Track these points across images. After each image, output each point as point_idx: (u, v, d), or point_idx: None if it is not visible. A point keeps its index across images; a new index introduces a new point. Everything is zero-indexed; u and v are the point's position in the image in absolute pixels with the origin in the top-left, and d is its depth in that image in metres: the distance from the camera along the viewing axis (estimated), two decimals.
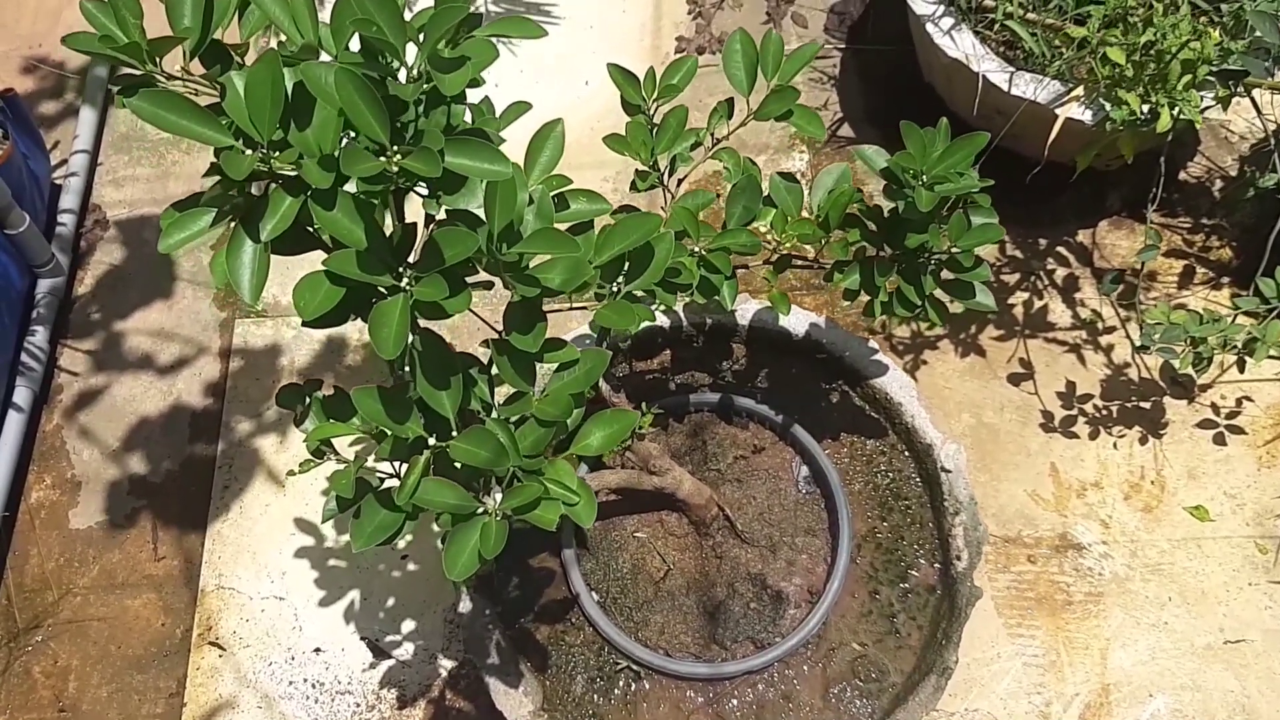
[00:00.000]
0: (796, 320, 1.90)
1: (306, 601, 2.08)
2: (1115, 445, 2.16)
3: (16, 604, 2.11)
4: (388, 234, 0.98)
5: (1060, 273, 2.36)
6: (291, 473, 1.35)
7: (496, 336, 1.10)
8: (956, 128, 1.42)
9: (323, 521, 1.19)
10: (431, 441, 1.05)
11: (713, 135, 1.53)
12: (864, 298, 1.50)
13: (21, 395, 2.21)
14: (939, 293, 1.49)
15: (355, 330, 2.31)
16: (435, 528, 1.14)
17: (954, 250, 1.44)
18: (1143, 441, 2.16)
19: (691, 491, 1.72)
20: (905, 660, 1.70)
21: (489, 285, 1.11)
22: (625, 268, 1.19)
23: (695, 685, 1.68)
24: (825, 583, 1.72)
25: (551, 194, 1.12)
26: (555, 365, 1.14)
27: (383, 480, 1.23)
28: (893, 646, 1.71)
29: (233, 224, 0.99)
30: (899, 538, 1.78)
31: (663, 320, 1.90)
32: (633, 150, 1.44)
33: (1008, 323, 2.31)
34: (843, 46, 2.64)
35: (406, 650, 2.03)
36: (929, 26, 2.19)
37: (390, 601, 2.07)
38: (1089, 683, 1.96)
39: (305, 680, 2.01)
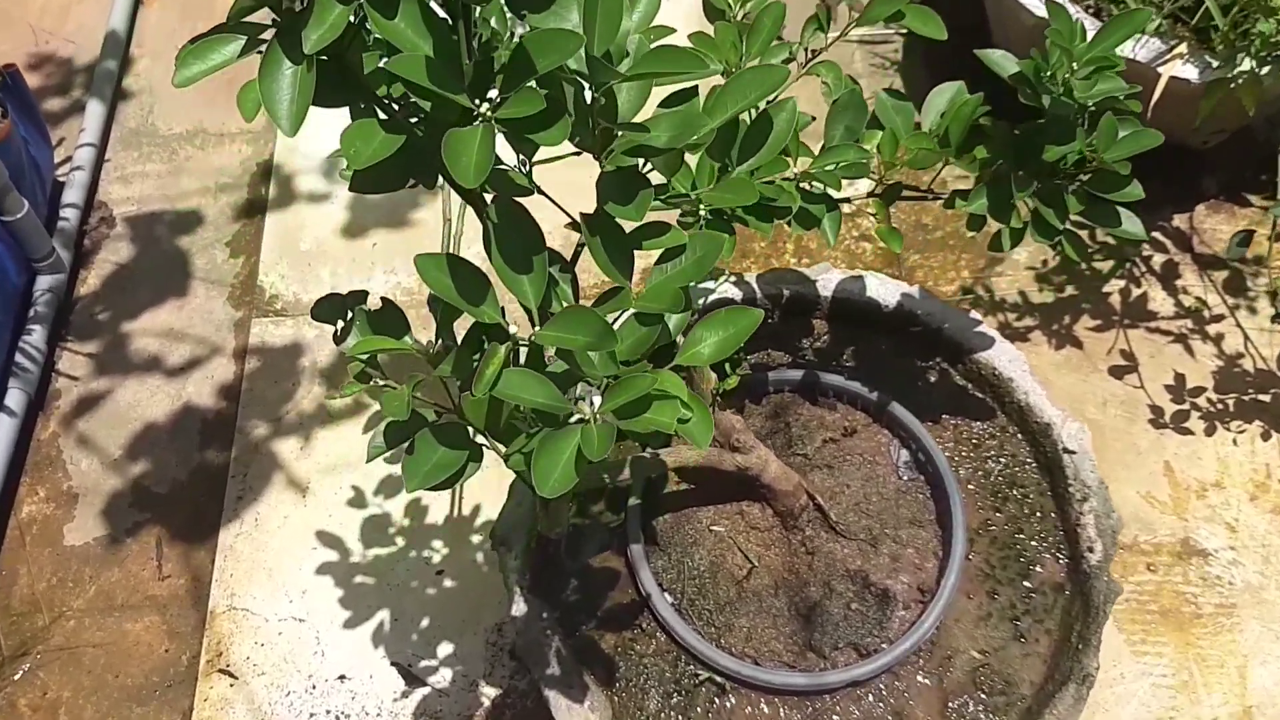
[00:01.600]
0: (886, 290, 1.68)
1: (330, 623, 1.84)
2: (1235, 441, 1.93)
3: (2, 629, 1.87)
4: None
5: (1158, 259, 2.14)
6: (331, 396, 1.12)
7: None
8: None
9: (368, 460, 0.96)
10: (514, 330, 0.83)
11: (807, 49, 1.34)
12: (983, 232, 1.29)
13: (14, 399, 2.00)
14: (1074, 221, 1.28)
15: None
16: (505, 463, 0.91)
17: (1099, 164, 1.23)
18: (1265, 437, 1.93)
19: (778, 475, 1.48)
20: (1034, 669, 1.45)
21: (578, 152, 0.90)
22: (738, 143, 0.97)
23: (790, 699, 1.43)
24: (938, 580, 1.48)
25: (652, 45, 0.91)
26: (655, 257, 0.92)
27: (440, 415, 1.00)
28: (1018, 654, 1.46)
29: (265, 47, 0.77)
30: (1017, 530, 1.54)
31: (733, 291, 1.68)
32: (721, 53, 1.24)
33: (1104, 312, 2.09)
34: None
35: (443, 677, 1.78)
36: None
37: (424, 623, 1.83)
38: (1228, 705, 1.70)
39: (328, 712, 1.76)
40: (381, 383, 0.98)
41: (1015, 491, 1.58)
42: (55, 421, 2.07)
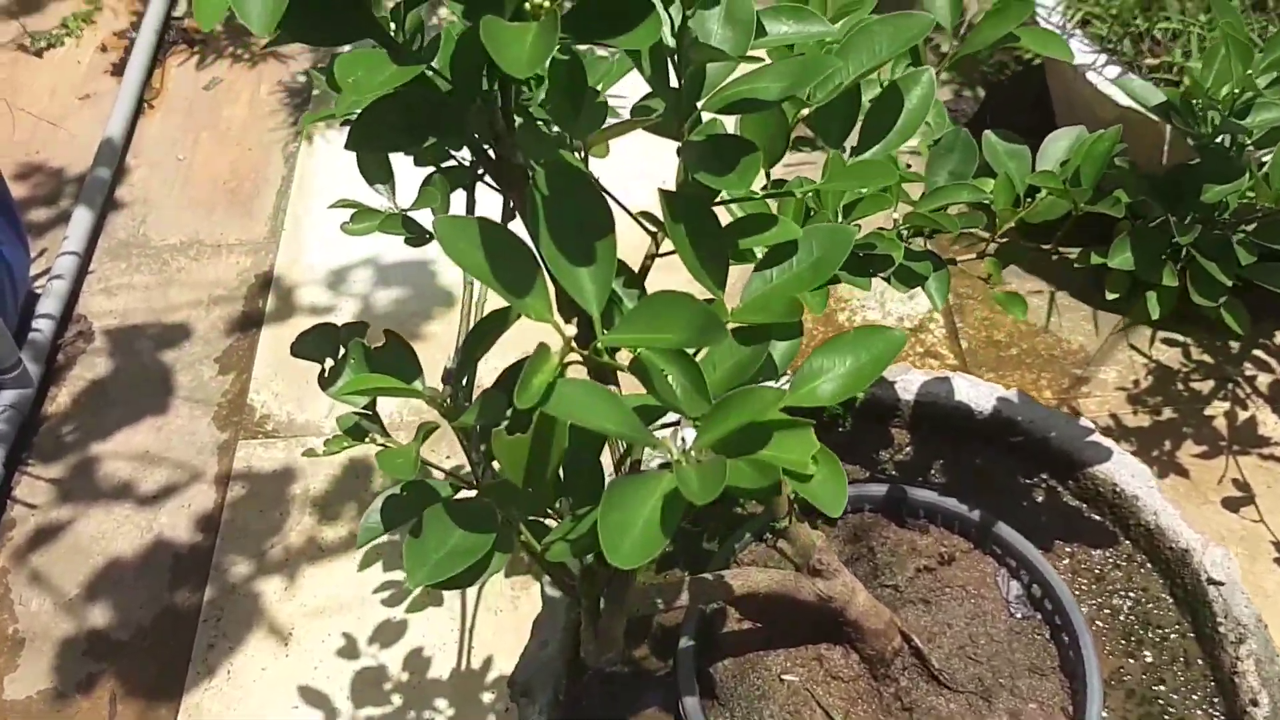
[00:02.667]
0: (978, 393, 1.43)
1: None
2: None
3: None
4: None
5: (1263, 379, 1.90)
6: (310, 453, 0.86)
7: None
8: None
9: (359, 546, 0.69)
10: (570, 332, 0.58)
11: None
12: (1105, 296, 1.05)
13: None
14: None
15: None
16: (538, 560, 0.65)
17: (1268, 210, 1.00)
18: None
19: (867, 609, 1.20)
20: None
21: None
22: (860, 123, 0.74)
23: None
24: None
25: None
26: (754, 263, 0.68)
27: (457, 489, 0.74)
28: None
29: None
30: (1157, 680, 1.25)
31: None
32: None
33: (1209, 437, 1.83)
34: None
35: None
36: (1090, 76, 1.82)
37: None
38: None
39: None
40: (380, 440, 0.73)
41: (1151, 633, 1.29)
42: (6, 555, 1.79)
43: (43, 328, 2.01)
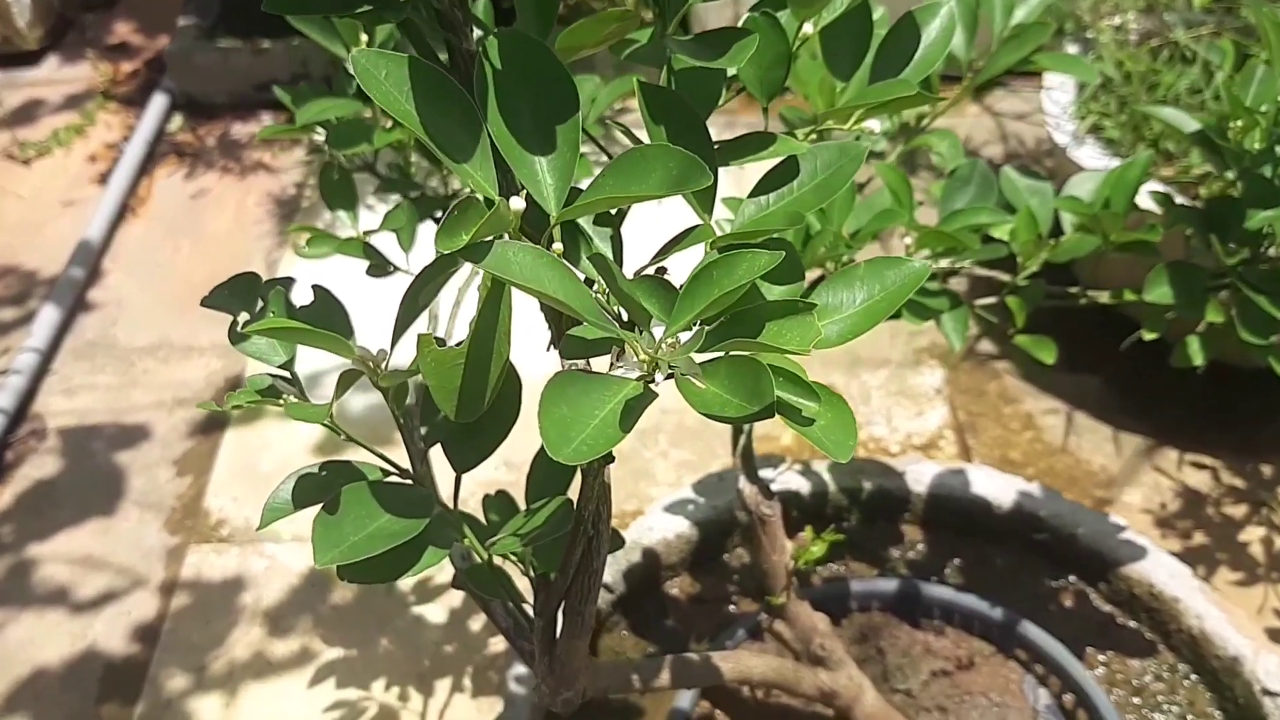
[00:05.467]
0: (996, 486, 1.30)
1: None
2: None
3: None
4: None
5: None
6: (205, 405, 0.72)
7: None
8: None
9: (260, 528, 0.56)
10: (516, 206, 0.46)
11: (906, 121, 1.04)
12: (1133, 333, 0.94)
13: None
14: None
15: None
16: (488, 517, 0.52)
17: None
18: None
19: (875, 712, 1.04)
20: None
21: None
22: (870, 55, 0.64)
23: None
24: None
25: None
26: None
27: (385, 475, 0.61)
28: None
29: None
30: None
31: (798, 482, 1.30)
32: (812, 90, 0.93)
33: (1245, 563, 1.68)
34: None
35: None
36: None
37: None
38: None
39: None
40: (293, 399, 0.60)
41: None
42: None
43: None
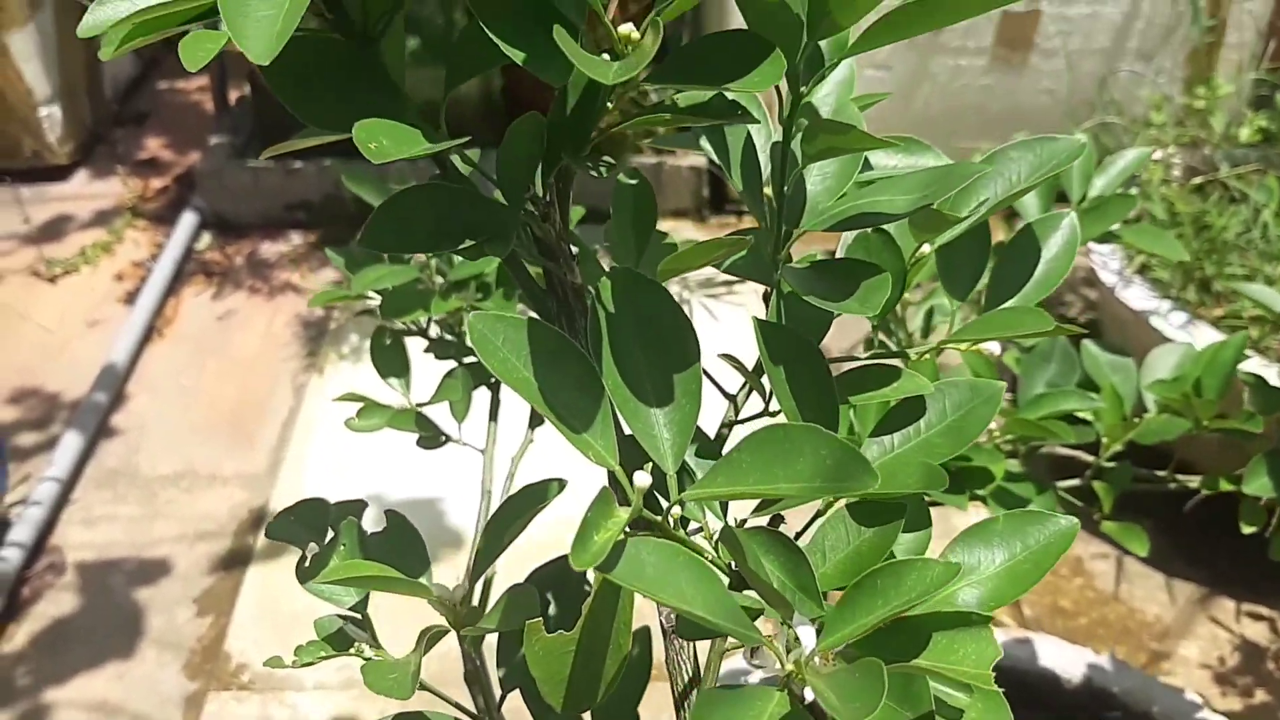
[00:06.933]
0: (1065, 658, 1.24)
1: None
2: None
3: None
4: None
5: None
6: (275, 662, 0.66)
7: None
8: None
9: None
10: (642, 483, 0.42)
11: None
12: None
13: None
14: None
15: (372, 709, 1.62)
16: None
17: None
18: None
19: None
20: None
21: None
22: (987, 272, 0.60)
23: None
24: None
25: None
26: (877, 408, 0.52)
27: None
28: None
29: None
30: None
31: None
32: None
33: None
34: None
35: None
36: (1155, 323, 1.71)
37: None
38: None
39: None
40: (370, 652, 0.55)
41: None
42: None
43: (10, 557, 1.83)
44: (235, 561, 1.90)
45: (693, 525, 0.50)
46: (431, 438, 1.00)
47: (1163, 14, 2.32)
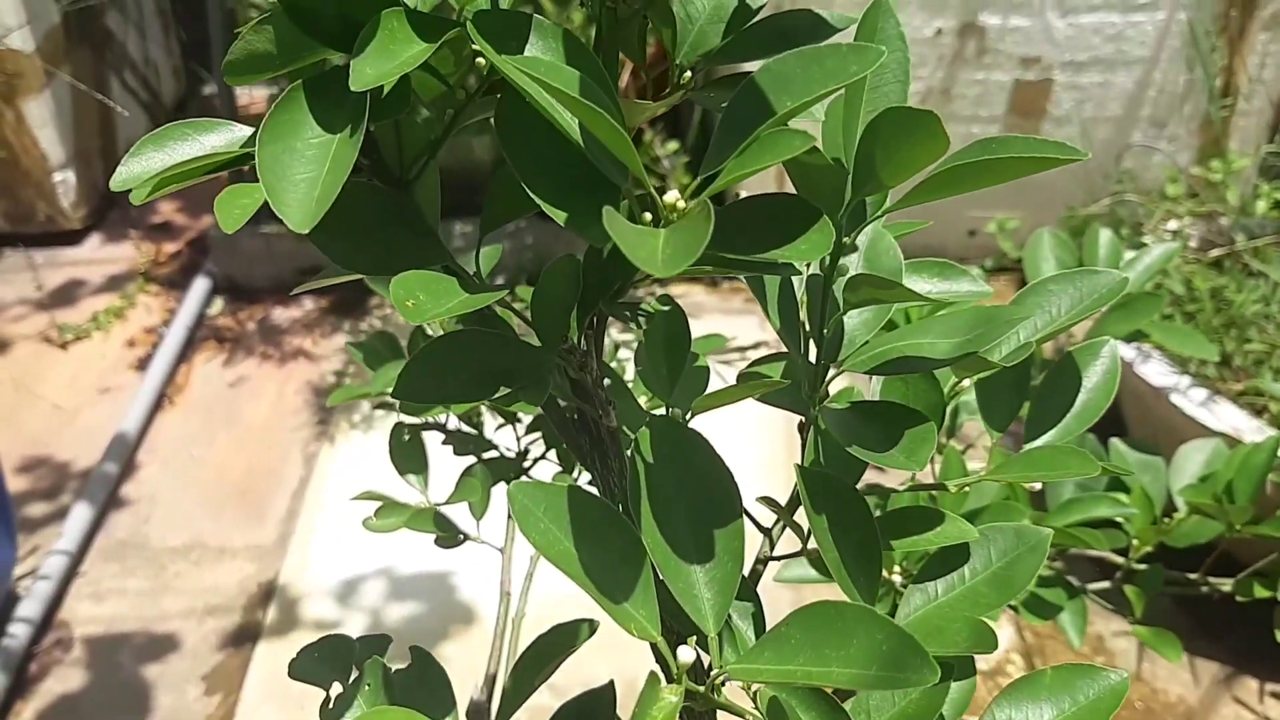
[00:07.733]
0: None
1: None
2: None
3: None
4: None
5: None
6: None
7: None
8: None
9: None
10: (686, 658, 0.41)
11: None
12: None
13: None
14: None
15: None
16: None
17: None
18: None
19: None
20: None
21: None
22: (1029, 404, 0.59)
23: None
24: None
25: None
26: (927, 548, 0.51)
27: None
28: None
29: (278, 99, 0.43)
30: None
31: None
32: None
33: None
34: None
35: None
36: (1175, 399, 1.70)
37: None
38: None
39: None
40: None
41: None
42: None
43: (17, 633, 1.81)
44: (244, 637, 1.88)
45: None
46: (449, 537, 0.98)
47: (1175, 83, 2.32)
